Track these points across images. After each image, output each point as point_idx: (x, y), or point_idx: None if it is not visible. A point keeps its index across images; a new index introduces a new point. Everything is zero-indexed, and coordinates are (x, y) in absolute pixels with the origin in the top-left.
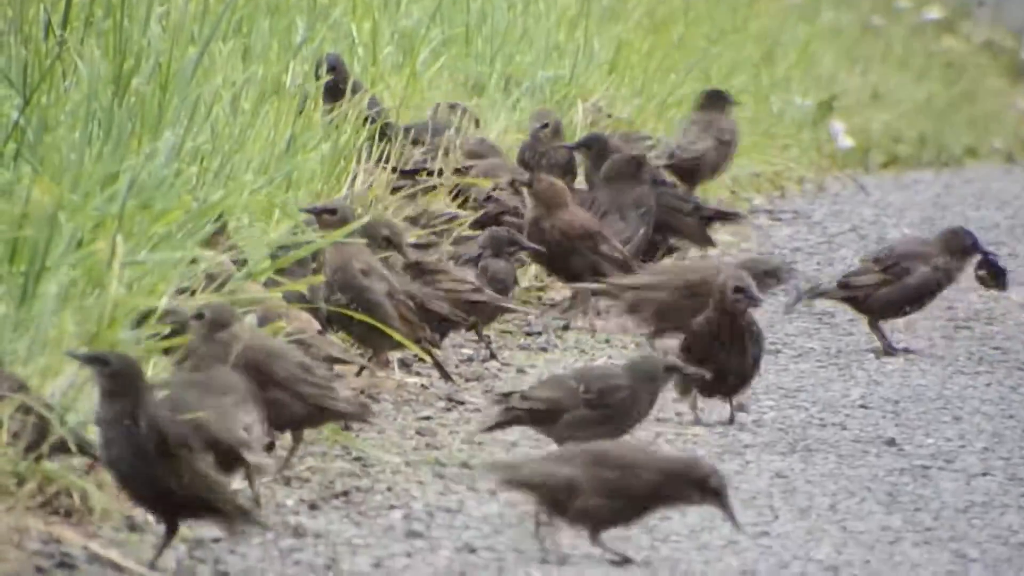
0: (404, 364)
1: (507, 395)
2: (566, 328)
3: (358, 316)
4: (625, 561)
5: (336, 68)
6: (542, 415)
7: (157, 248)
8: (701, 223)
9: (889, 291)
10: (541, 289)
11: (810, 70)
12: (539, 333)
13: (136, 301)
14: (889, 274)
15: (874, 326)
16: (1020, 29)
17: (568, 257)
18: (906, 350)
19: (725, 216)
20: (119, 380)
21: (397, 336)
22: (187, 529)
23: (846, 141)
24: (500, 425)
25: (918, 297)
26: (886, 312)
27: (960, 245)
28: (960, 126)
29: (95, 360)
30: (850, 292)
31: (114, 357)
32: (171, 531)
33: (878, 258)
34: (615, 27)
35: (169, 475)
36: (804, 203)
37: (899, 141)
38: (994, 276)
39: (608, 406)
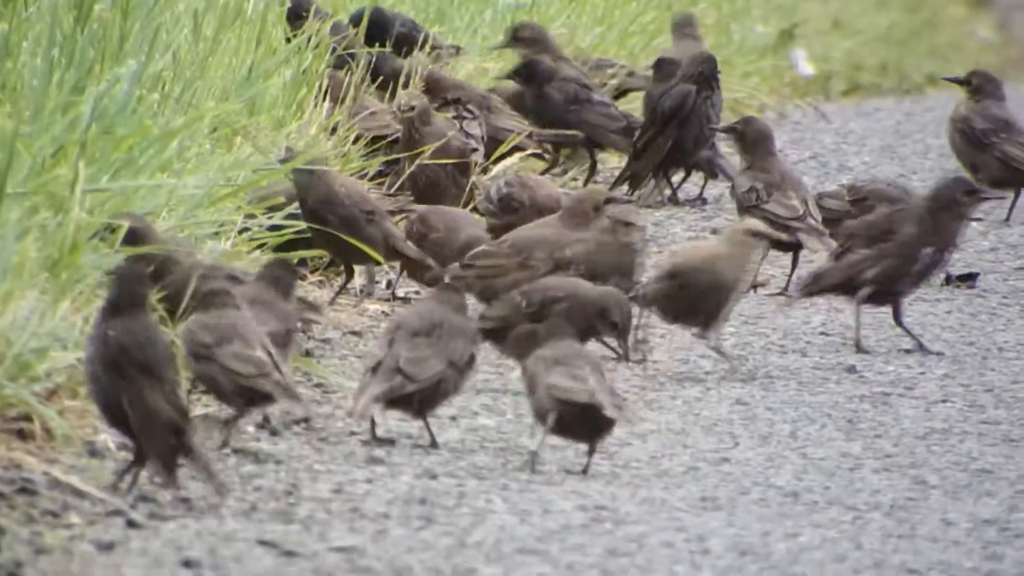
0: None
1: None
2: None
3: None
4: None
5: (299, 3)
6: (495, 333)
7: (119, 174)
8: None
9: (851, 224)
10: None
11: None
12: None
13: (98, 226)
14: (856, 207)
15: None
16: None
17: None
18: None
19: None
20: (116, 290)
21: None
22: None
23: (807, 69)
24: None
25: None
26: (849, 242)
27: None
28: (921, 54)
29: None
30: (819, 214)
31: (121, 267)
32: (138, 458)
33: (852, 187)
34: None
35: (120, 395)
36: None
37: (860, 69)
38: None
39: (548, 317)
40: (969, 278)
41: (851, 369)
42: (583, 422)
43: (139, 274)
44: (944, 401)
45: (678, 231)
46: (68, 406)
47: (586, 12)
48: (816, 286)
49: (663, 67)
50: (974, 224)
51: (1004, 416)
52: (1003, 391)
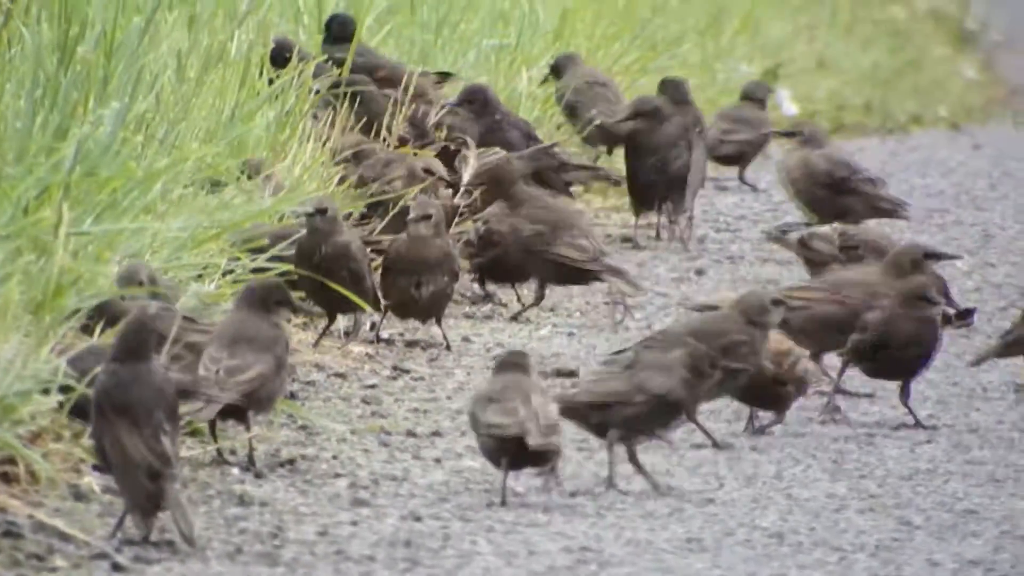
0: (347, 333)
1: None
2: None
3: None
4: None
5: (282, 48)
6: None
7: (102, 216)
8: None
9: (835, 270)
10: None
11: (756, 38)
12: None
13: (82, 269)
14: (844, 253)
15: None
16: None
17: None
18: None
19: (587, 168)
20: (118, 337)
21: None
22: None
23: (791, 108)
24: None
25: None
26: None
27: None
28: (905, 93)
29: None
30: (804, 251)
31: (131, 317)
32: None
33: (844, 232)
34: None
35: (103, 437)
36: (749, 171)
37: (845, 108)
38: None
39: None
40: (967, 315)
41: (836, 410)
42: (518, 453)
43: (140, 324)
44: (929, 442)
45: (661, 272)
46: (52, 449)
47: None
48: (1009, 350)
49: (667, 89)
50: (958, 264)
51: (989, 456)
52: (988, 431)
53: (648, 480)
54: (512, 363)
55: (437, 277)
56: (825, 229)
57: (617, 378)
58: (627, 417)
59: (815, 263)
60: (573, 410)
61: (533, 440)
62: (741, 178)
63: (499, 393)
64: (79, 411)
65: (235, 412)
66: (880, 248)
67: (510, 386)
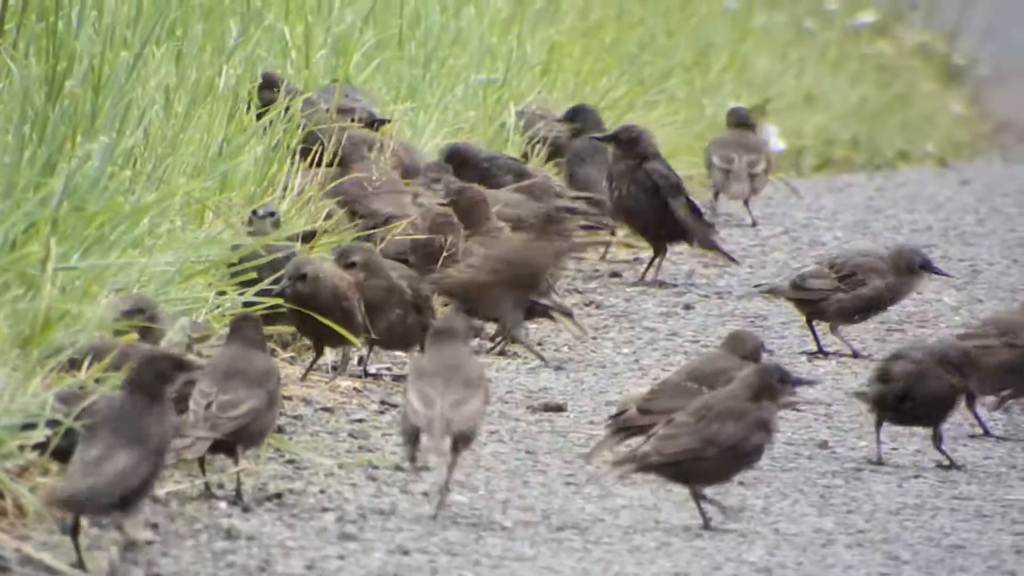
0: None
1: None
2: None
3: (318, 317)
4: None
5: (270, 82)
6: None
7: (90, 251)
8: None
9: (842, 299)
10: None
11: (743, 73)
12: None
13: (70, 304)
14: (844, 283)
15: (810, 326)
16: (953, 32)
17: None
18: (837, 353)
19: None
20: (131, 375)
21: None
22: (118, 531)
23: (779, 144)
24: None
25: (869, 308)
26: (837, 318)
27: (908, 263)
28: (893, 129)
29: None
30: (802, 294)
31: (142, 358)
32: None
33: (833, 264)
34: (548, 30)
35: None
36: (737, 206)
37: (832, 144)
38: None
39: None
40: None
41: (823, 444)
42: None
43: (146, 367)
44: (916, 476)
45: (649, 306)
46: (40, 483)
47: (558, 87)
48: None
49: (577, 116)
50: (945, 299)
51: (976, 491)
52: (975, 466)
53: (715, 505)
54: (448, 330)
55: (386, 313)
56: (813, 267)
57: (689, 433)
58: (703, 470)
59: (812, 302)
60: (648, 467)
61: (423, 454)
62: (747, 209)
63: (427, 376)
64: (60, 453)
65: (224, 446)
66: (875, 267)
67: (440, 370)
